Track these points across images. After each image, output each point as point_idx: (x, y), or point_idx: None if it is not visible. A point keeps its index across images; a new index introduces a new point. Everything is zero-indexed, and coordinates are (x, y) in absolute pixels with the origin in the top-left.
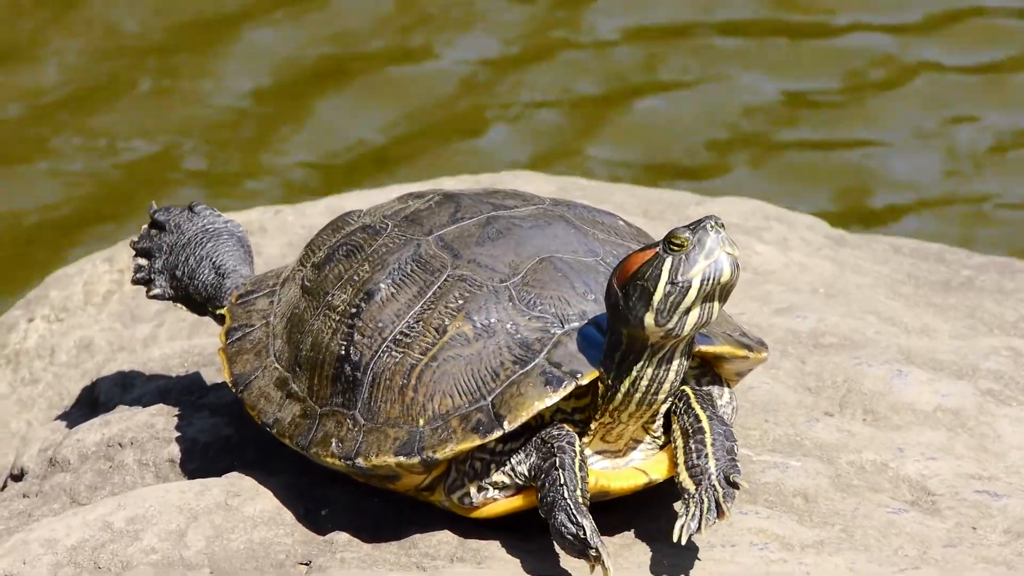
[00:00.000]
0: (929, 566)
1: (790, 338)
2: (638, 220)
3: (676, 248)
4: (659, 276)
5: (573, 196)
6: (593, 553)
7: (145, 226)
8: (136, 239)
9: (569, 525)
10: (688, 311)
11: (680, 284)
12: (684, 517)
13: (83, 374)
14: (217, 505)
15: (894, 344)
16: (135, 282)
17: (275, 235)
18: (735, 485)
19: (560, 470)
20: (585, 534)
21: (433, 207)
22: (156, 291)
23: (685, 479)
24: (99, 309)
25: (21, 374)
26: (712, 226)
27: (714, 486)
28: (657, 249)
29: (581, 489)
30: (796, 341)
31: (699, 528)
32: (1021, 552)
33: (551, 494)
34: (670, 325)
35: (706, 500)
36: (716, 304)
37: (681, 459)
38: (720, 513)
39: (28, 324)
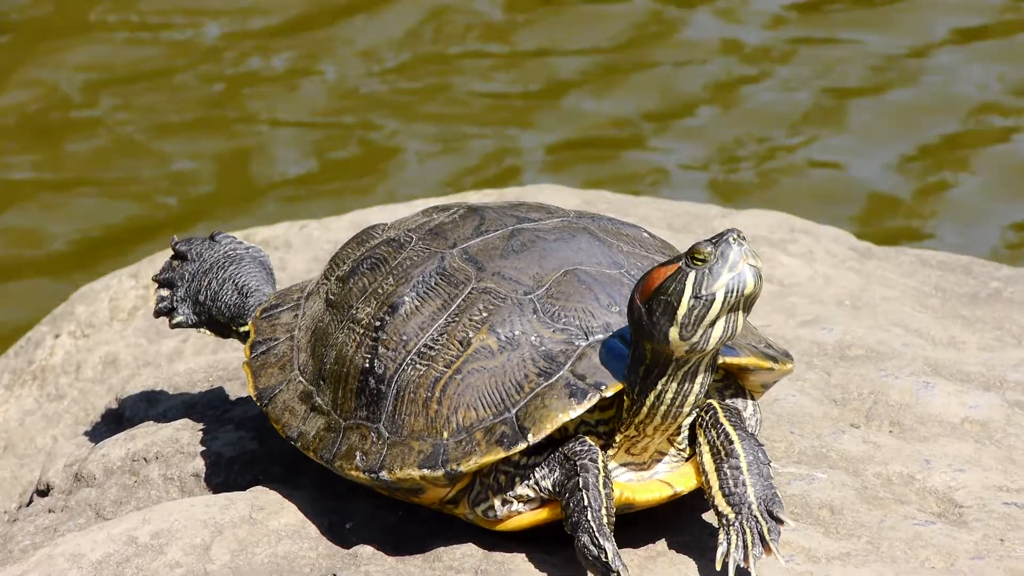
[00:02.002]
0: None
1: (816, 350)
2: (663, 232)
3: (699, 262)
4: (683, 290)
5: (598, 209)
6: None
7: (167, 259)
8: (158, 272)
9: (592, 548)
10: (713, 324)
11: (704, 298)
12: (725, 545)
13: (108, 389)
14: (242, 519)
15: (921, 356)
16: (157, 314)
17: (300, 250)
18: (778, 520)
19: (584, 491)
20: (607, 557)
21: (457, 220)
22: (179, 318)
23: (722, 505)
24: (124, 325)
25: (47, 390)
26: (735, 239)
27: (756, 517)
28: (680, 264)
29: (607, 507)
30: (822, 353)
31: (744, 560)
32: None
33: (575, 515)
34: (695, 339)
35: (748, 531)
36: (741, 316)
37: (715, 483)
38: (766, 548)
39: (54, 340)
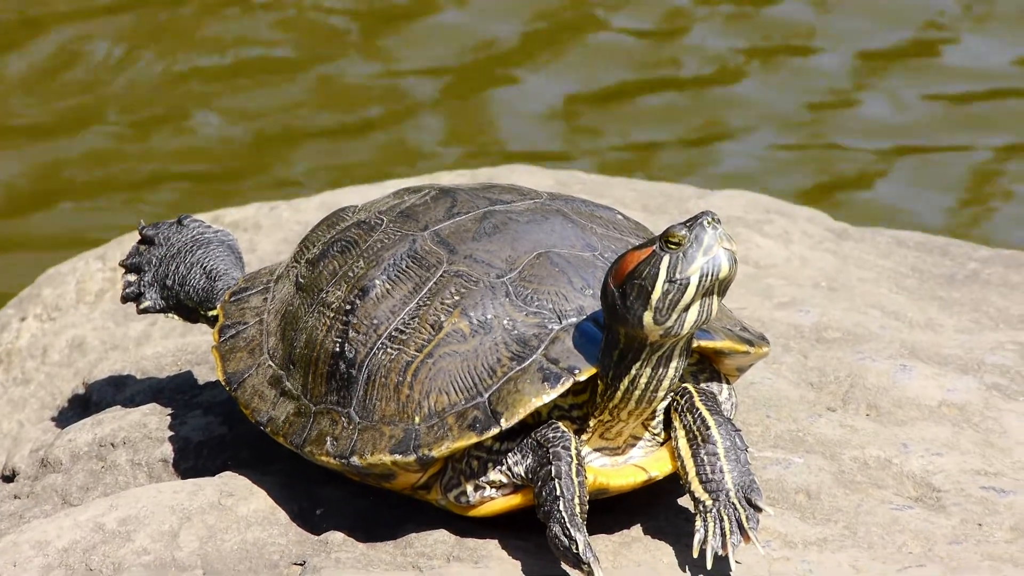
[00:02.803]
0: (933, 563)
1: (792, 332)
2: (638, 214)
3: (674, 246)
4: (657, 275)
5: (571, 189)
6: (585, 568)
7: (134, 243)
8: (125, 257)
9: (563, 539)
10: (687, 308)
11: (679, 282)
12: (703, 532)
13: (75, 373)
14: (210, 505)
15: (898, 339)
16: (124, 299)
17: (270, 231)
18: (756, 507)
19: (556, 480)
20: (578, 549)
21: (429, 202)
22: (146, 303)
23: (699, 491)
24: (91, 308)
25: (13, 374)
26: (709, 222)
27: (734, 504)
28: (654, 247)
29: (579, 496)
30: (798, 336)
31: (722, 548)
32: None
33: (546, 504)
34: (669, 323)
35: (726, 519)
36: (715, 300)
37: (692, 469)
38: (744, 536)
39: (20, 323)
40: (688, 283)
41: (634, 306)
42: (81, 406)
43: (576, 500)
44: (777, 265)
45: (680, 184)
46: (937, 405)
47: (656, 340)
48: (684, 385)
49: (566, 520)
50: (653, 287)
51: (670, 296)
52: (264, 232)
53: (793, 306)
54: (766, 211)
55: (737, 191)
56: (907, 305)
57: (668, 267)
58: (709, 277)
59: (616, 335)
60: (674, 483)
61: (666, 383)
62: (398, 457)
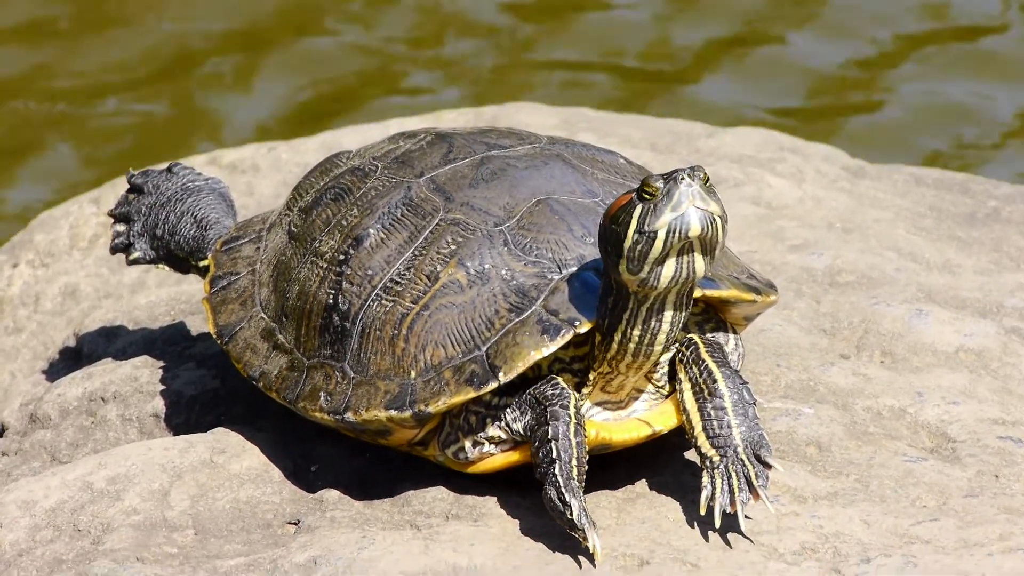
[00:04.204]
0: (948, 517)
1: (804, 276)
2: (645, 153)
3: (648, 196)
4: (629, 223)
5: (577, 127)
6: (580, 534)
7: (123, 192)
8: (114, 206)
9: (557, 503)
10: (661, 263)
11: (647, 233)
12: (710, 488)
13: (68, 322)
14: (202, 463)
15: (914, 282)
16: (114, 250)
17: (268, 173)
18: (766, 464)
19: (553, 441)
20: (572, 514)
21: (425, 148)
22: (136, 254)
23: (706, 447)
24: (85, 254)
25: (5, 323)
26: (684, 178)
27: (742, 460)
28: (633, 195)
29: (577, 457)
30: (811, 280)
31: (730, 505)
32: None
33: (543, 466)
34: (643, 275)
35: (735, 476)
36: (698, 259)
37: (698, 423)
38: (753, 494)
39: (12, 270)
40: (655, 236)
41: (611, 252)
42: (72, 358)
43: (573, 462)
44: (790, 206)
45: (690, 121)
46: (954, 351)
47: (636, 290)
48: (689, 336)
49: (561, 484)
50: (625, 235)
51: (639, 247)
52: (263, 174)
53: (806, 249)
54: (780, 149)
55: (750, 128)
56: (924, 246)
57: (639, 217)
58: (676, 234)
59: (608, 281)
60: (679, 436)
61: (661, 336)
62: (393, 413)
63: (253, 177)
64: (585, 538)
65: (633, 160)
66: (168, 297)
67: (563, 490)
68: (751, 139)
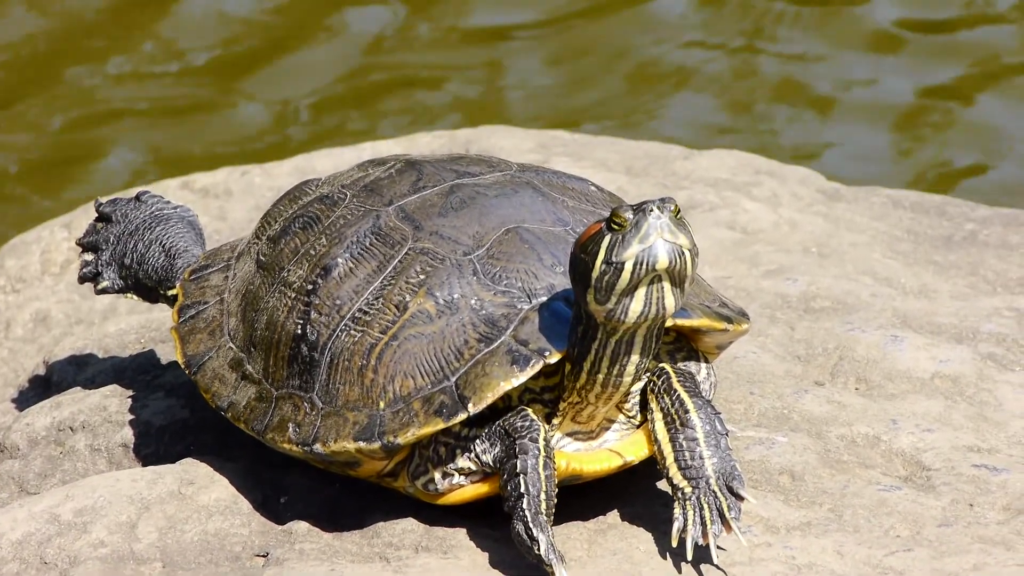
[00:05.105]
0: (922, 547)
1: (779, 302)
2: (620, 177)
3: (616, 227)
4: (597, 253)
5: (553, 151)
6: (548, 569)
7: (91, 221)
8: (82, 235)
9: (525, 538)
10: (628, 295)
11: (615, 264)
12: (682, 520)
13: (39, 349)
14: (170, 494)
15: (890, 307)
16: (82, 279)
17: (241, 198)
18: (738, 496)
19: (521, 475)
20: (540, 550)
21: (394, 175)
22: (104, 283)
23: (678, 478)
24: (56, 279)
25: None
26: (653, 210)
27: (715, 492)
28: (602, 224)
29: (546, 491)
30: (785, 305)
31: (702, 537)
32: (1021, 531)
33: (511, 500)
34: (610, 306)
35: (707, 507)
36: (668, 291)
37: (670, 454)
38: (726, 526)
39: None
40: (623, 268)
41: (579, 281)
42: (42, 386)
43: (542, 496)
44: (765, 230)
45: (667, 144)
46: (929, 377)
47: (604, 321)
48: (661, 365)
49: (529, 519)
50: (593, 265)
51: (607, 277)
52: (236, 198)
53: (780, 274)
54: (755, 172)
55: (726, 151)
56: (900, 271)
57: (607, 247)
58: (644, 266)
59: (578, 311)
60: (651, 466)
61: (631, 368)
62: (362, 444)
63: (226, 201)
64: (553, 573)
65: (607, 185)
66: (139, 325)
67: (531, 525)
68: (726, 162)
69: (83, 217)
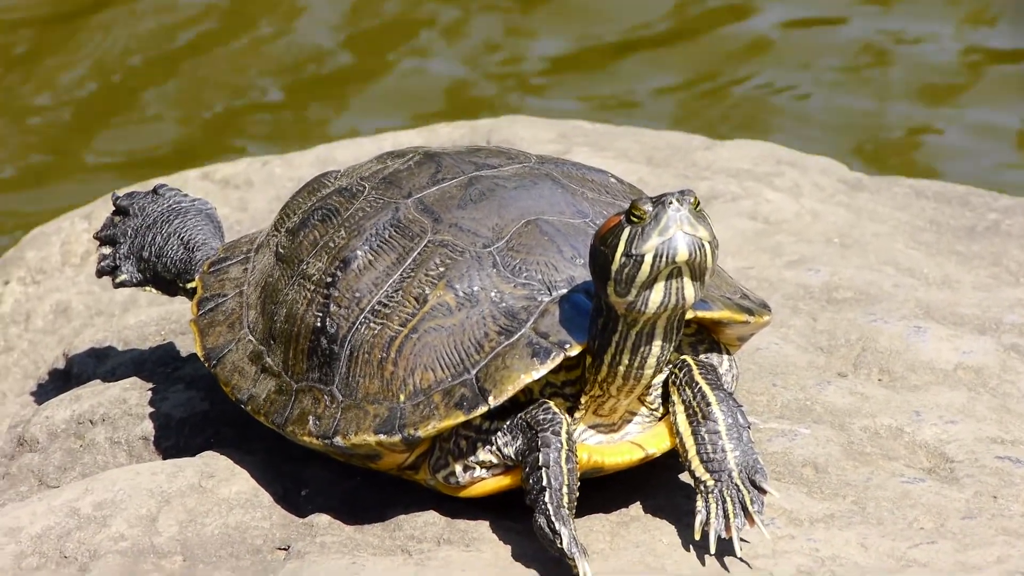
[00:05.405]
0: (945, 539)
1: (801, 293)
2: (642, 168)
3: (636, 219)
4: (616, 245)
5: (574, 141)
6: (570, 562)
7: (108, 214)
8: (99, 229)
9: (547, 531)
10: (649, 287)
11: (634, 257)
12: (704, 513)
13: (59, 341)
14: (190, 487)
15: (912, 297)
16: (100, 272)
17: (262, 188)
18: (761, 489)
19: (543, 469)
20: (562, 543)
21: (412, 167)
22: (123, 277)
23: (700, 471)
24: (77, 270)
25: None
26: (672, 202)
27: (737, 485)
28: (621, 217)
29: (568, 485)
30: (808, 296)
31: (725, 530)
32: None
33: (533, 493)
34: (630, 299)
35: (729, 500)
36: (688, 284)
37: (692, 447)
38: (748, 519)
39: (3, 287)
40: (643, 260)
41: (599, 273)
42: (62, 378)
43: (564, 490)
44: (787, 220)
45: (689, 134)
46: (952, 369)
47: (624, 313)
48: (683, 357)
49: (551, 513)
50: (613, 257)
51: (627, 270)
52: (257, 189)
53: (803, 264)
54: (777, 162)
55: (748, 141)
56: (923, 261)
57: (627, 240)
58: (664, 259)
59: (599, 302)
60: (673, 458)
61: (651, 360)
62: (383, 437)
63: (247, 192)
64: (576, 566)
65: (628, 175)
66: (159, 316)
67: (553, 519)
68: (748, 152)
69: (103, 208)
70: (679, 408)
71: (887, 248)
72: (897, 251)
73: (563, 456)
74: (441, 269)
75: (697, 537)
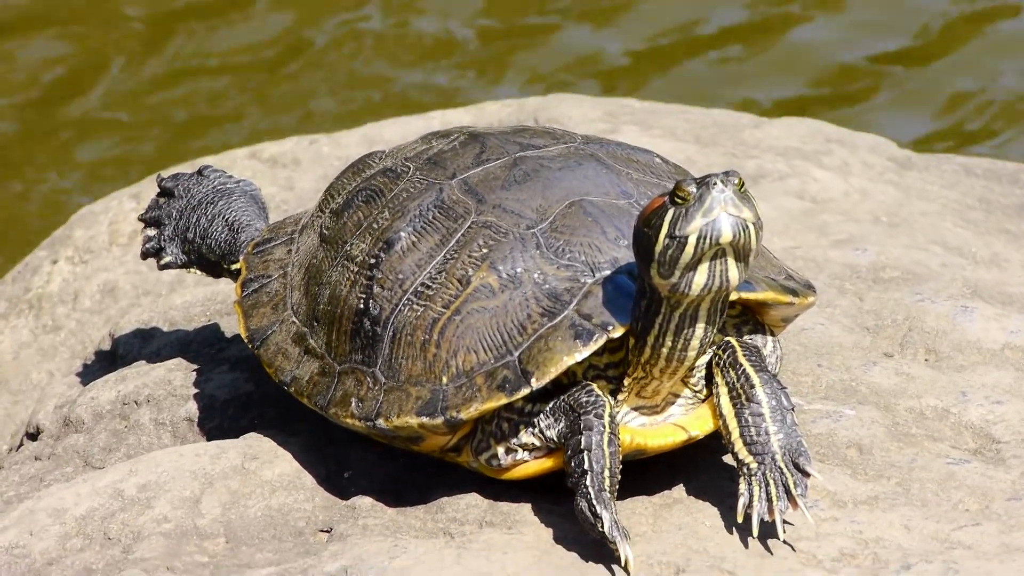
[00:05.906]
0: (991, 522)
1: (848, 273)
2: (689, 146)
3: (680, 201)
4: (660, 227)
5: (621, 119)
6: (611, 546)
7: (153, 196)
8: (144, 211)
9: (588, 515)
10: (693, 269)
11: (678, 239)
12: (747, 496)
13: (106, 321)
14: (234, 469)
15: (960, 277)
16: (145, 254)
17: (309, 167)
18: (804, 472)
19: (585, 452)
20: (603, 527)
21: (457, 148)
22: (168, 259)
23: (743, 453)
24: (124, 250)
25: (43, 320)
26: (716, 183)
27: (781, 468)
28: (665, 198)
29: (610, 468)
30: (854, 276)
31: (768, 513)
32: None
33: (574, 476)
34: (674, 280)
35: (772, 484)
36: (732, 266)
37: (735, 429)
38: (792, 503)
39: (52, 266)
40: (686, 242)
41: (643, 255)
42: (108, 359)
43: (605, 473)
44: (835, 199)
45: (737, 112)
46: (1000, 348)
47: (668, 295)
48: (727, 339)
49: (592, 496)
50: (656, 239)
51: (670, 252)
52: (303, 168)
53: (850, 244)
54: (826, 140)
55: (796, 119)
56: (972, 240)
57: (671, 221)
58: (708, 240)
59: (642, 284)
60: (717, 440)
61: (695, 342)
62: (425, 419)
63: (294, 171)
64: (617, 550)
65: (675, 154)
66: (204, 297)
67: (594, 502)
68: (796, 130)
69: (151, 188)
70: (723, 390)
71: (935, 227)
72: (945, 230)
73: (605, 439)
74: (484, 250)
75: (740, 520)
